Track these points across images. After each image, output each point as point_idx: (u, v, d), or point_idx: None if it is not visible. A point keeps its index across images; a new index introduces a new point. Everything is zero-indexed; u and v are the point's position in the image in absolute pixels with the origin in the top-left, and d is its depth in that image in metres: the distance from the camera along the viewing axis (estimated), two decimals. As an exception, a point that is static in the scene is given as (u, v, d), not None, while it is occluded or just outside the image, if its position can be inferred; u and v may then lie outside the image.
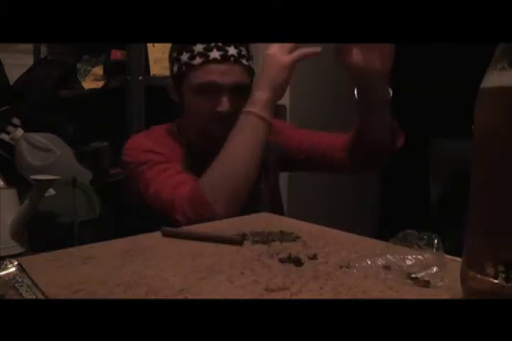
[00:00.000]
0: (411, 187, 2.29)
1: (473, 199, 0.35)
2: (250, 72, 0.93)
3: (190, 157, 0.96)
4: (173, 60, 0.93)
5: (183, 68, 0.90)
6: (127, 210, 1.18)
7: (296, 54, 0.83)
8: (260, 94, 0.84)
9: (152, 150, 0.93)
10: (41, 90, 1.61)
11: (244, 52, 0.91)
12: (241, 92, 0.89)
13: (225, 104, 0.88)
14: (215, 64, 0.88)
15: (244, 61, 0.90)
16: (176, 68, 0.93)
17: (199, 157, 0.94)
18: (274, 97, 0.84)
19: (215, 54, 0.87)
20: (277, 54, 0.82)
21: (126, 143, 0.99)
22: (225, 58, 0.88)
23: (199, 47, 0.88)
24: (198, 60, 0.88)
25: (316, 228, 0.65)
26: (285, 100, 1.67)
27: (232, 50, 0.88)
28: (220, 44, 0.88)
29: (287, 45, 0.82)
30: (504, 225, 0.33)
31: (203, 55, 0.88)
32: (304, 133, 1.06)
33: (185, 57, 0.90)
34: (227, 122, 0.88)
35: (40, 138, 1.47)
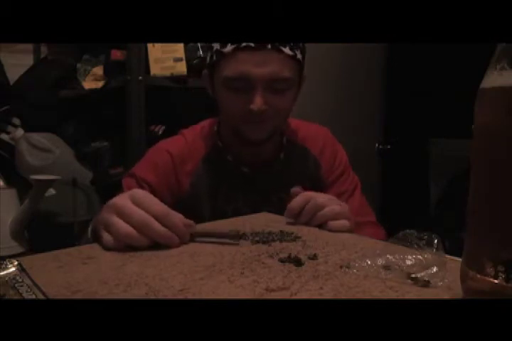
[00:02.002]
0: (411, 187, 2.29)
1: (473, 199, 0.35)
2: (296, 63, 0.78)
3: (218, 164, 0.88)
4: (207, 48, 0.83)
5: (214, 57, 0.78)
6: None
7: (105, 238, 0.55)
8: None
9: (135, 176, 0.86)
10: (41, 90, 1.61)
11: None
12: (280, 87, 0.77)
13: (258, 101, 0.75)
14: (248, 52, 0.73)
15: (286, 49, 0.75)
16: (208, 57, 0.82)
17: (229, 165, 0.87)
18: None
19: None
20: (100, 223, 0.58)
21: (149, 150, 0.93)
22: (260, 45, 0.73)
23: None
24: (229, 48, 0.75)
25: (316, 228, 0.65)
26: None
27: None
28: None
29: (111, 221, 0.55)
30: (504, 225, 0.33)
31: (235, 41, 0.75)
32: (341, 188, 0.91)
33: (217, 44, 0.77)
34: (264, 123, 0.79)
35: (40, 138, 1.47)
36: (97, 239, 0.58)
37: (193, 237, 0.57)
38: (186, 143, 0.90)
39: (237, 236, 0.56)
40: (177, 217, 0.55)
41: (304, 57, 0.81)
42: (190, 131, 0.94)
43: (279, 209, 0.73)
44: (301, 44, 0.79)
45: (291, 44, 0.76)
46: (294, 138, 0.93)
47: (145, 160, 0.91)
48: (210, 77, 0.84)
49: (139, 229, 0.53)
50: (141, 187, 0.83)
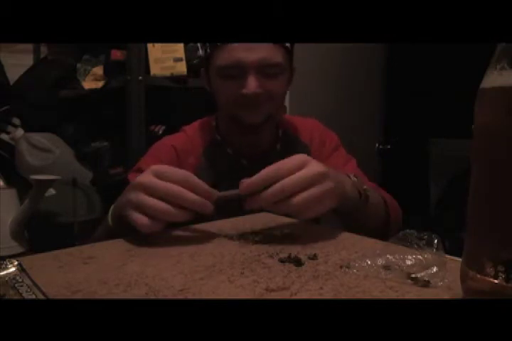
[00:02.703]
0: (411, 187, 2.29)
1: (473, 199, 0.35)
2: (285, 50, 0.82)
3: (219, 158, 0.91)
4: (203, 43, 0.89)
5: (208, 49, 0.84)
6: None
7: (136, 218, 0.55)
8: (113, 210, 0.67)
9: (141, 171, 0.82)
10: (41, 90, 1.61)
11: None
12: (272, 71, 0.80)
13: (251, 85, 0.78)
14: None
15: None
16: (203, 52, 0.90)
17: (229, 157, 0.90)
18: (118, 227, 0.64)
19: None
20: (130, 203, 0.57)
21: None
22: None
23: None
24: None
25: (316, 228, 0.65)
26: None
27: None
28: None
29: (142, 200, 0.55)
30: (504, 225, 0.33)
31: None
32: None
33: None
34: (258, 107, 0.81)
35: (40, 138, 1.47)
36: (121, 224, 0.59)
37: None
38: (188, 138, 0.93)
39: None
40: (203, 183, 0.56)
41: (292, 47, 0.85)
42: (190, 126, 0.98)
43: None
44: None
45: None
46: (287, 130, 0.97)
47: (149, 155, 0.94)
48: (206, 72, 0.88)
49: (173, 202, 0.53)
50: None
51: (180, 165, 0.87)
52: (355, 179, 0.69)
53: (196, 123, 0.98)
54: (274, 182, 0.54)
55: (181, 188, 0.53)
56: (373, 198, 0.73)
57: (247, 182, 0.55)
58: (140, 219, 0.54)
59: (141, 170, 0.87)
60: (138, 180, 0.56)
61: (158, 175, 0.55)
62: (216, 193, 0.57)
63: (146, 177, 0.55)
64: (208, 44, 0.83)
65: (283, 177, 0.54)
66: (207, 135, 0.93)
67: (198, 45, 1.49)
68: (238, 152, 0.91)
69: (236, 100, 0.81)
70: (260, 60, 0.78)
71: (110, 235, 0.60)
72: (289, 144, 0.95)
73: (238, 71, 0.79)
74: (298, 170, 0.55)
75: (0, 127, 1.53)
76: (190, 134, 0.94)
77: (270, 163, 0.57)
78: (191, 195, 0.54)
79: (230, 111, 0.85)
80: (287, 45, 0.82)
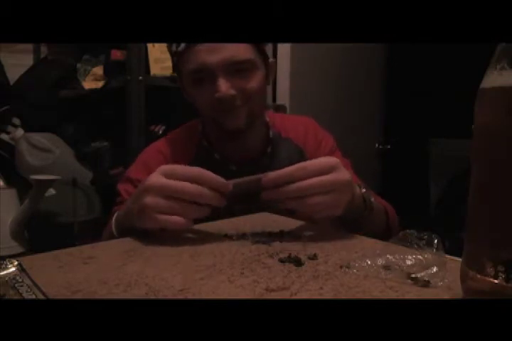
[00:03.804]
0: (411, 187, 2.29)
1: (473, 199, 0.35)
2: (254, 45, 0.78)
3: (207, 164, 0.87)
4: (170, 54, 0.84)
5: (175, 59, 0.80)
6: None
7: (162, 220, 0.56)
8: (121, 215, 0.68)
9: (131, 180, 0.86)
10: (41, 90, 1.61)
11: None
12: (241, 69, 0.75)
13: (222, 87, 0.74)
14: (199, 43, 0.74)
15: None
16: (173, 63, 0.84)
17: (217, 164, 0.86)
18: (130, 230, 0.62)
19: None
20: (150, 207, 0.56)
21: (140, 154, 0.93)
22: None
23: None
24: (182, 45, 0.76)
25: (316, 228, 0.65)
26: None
27: None
28: None
29: (161, 204, 0.56)
30: (504, 225, 0.33)
31: None
32: None
33: (174, 47, 0.79)
34: (235, 109, 0.77)
35: (40, 138, 1.47)
36: (130, 231, 0.60)
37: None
38: (176, 144, 0.90)
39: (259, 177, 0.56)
40: (216, 176, 0.56)
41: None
42: (176, 132, 0.95)
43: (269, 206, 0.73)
44: None
45: None
46: (278, 131, 0.92)
47: (137, 162, 0.90)
48: (180, 81, 0.84)
49: (190, 200, 0.54)
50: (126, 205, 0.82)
51: None
52: (363, 190, 0.69)
53: (182, 128, 0.95)
54: (298, 180, 0.55)
55: (196, 186, 0.54)
56: (377, 209, 0.72)
57: (272, 176, 0.56)
58: (172, 218, 0.54)
59: (130, 180, 0.86)
60: (149, 184, 0.55)
61: (168, 175, 0.55)
62: (231, 183, 0.56)
63: (157, 179, 0.55)
64: (173, 52, 0.79)
65: (309, 177, 0.55)
66: (193, 140, 0.90)
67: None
68: (226, 157, 0.87)
69: (212, 105, 0.77)
70: (225, 59, 0.73)
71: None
72: (281, 147, 0.90)
73: (206, 74, 0.75)
74: (325, 173, 0.56)
75: (0, 127, 1.53)
76: (177, 140, 0.91)
77: (261, 168, 0.58)
78: (207, 191, 0.54)
79: (209, 117, 0.81)
80: None
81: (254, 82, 0.78)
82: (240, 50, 0.75)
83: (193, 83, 0.78)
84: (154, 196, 0.55)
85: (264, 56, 0.81)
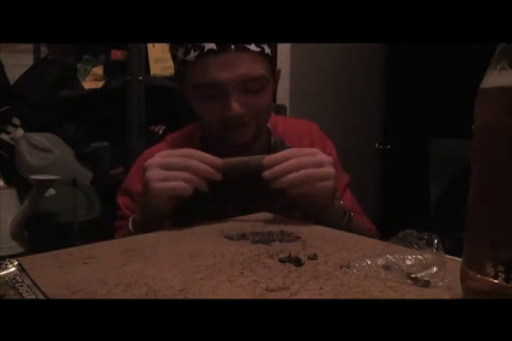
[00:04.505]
0: (411, 187, 2.29)
1: (473, 199, 0.35)
2: (265, 58, 0.74)
3: None
4: (172, 58, 0.79)
5: (181, 67, 0.76)
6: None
7: (165, 186, 0.64)
8: (136, 214, 0.72)
9: (129, 192, 0.84)
10: (41, 90, 1.61)
11: None
12: (254, 87, 0.73)
13: (235, 107, 0.71)
14: (212, 56, 0.69)
15: (252, 46, 0.71)
16: (175, 67, 0.79)
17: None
18: (147, 220, 0.69)
19: (210, 44, 0.69)
20: (151, 179, 0.64)
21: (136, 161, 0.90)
22: (223, 47, 0.69)
23: None
24: (192, 55, 0.71)
25: (316, 228, 0.65)
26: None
27: None
28: None
29: (161, 173, 0.64)
30: (504, 225, 0.33)
31: (197, 47, 0.70)
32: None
33: (180, 53, 0.73)
34: (245, 126, 0.75)
35: (40, 138, 1.47)
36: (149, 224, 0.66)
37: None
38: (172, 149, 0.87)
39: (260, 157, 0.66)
40: (205, 153, 0.65)
41: (274, 51, 0.78)
42: (174, 136, 0.92)
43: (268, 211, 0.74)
44: None
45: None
46: (281, 138, 0.89)
47: (134, 172, 0.88)
48: (181, 87, 0.81)
49: (189, 171, 0.63)
50: (137, 201, 0.81)
51: None
52: (341, 202, 0.78)
53: (181, 133, 0.92)
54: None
55: (189, 159, 0.63)
56: (357, 225, 0.77)
57: (270, 157, 0.66)
58: (174, 184, 0.63)
59: (129, 193, 0.84)
60: (147, 163, 0.64)
61: (165, 156, 0.64)
62: (221, 160, 0.66)
63: (154, 158, 0.64)
64: (178, 60, 0.75)
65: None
66: (193, 147, 0.83)
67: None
68: None
69: (221, 122, 0.74)
70: (239, 76, 0.70)
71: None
72: None
73: (217, 90, 0.71)
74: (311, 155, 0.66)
75: (0, 127, 1.53)
76: (175, 146, 0.87)
77: (259, 175, 0.65)
78: (201, 163, 0.63)
79: (215, 131, 0.78)
80: (267, 51, 0.74)
81: (264, 99, 0.76)
82: (254, 66, 0.71)
83: (200, 96, 0.74)
84: (154, 170, 0.63)
85: (274, 66, 0.79)
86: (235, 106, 0.71)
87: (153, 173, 0.63)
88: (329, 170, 0.66)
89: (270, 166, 0.65)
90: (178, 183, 0.63)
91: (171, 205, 0.67)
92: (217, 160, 0.65)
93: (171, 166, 0.63)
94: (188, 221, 0.67)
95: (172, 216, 0.70)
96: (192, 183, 0.63)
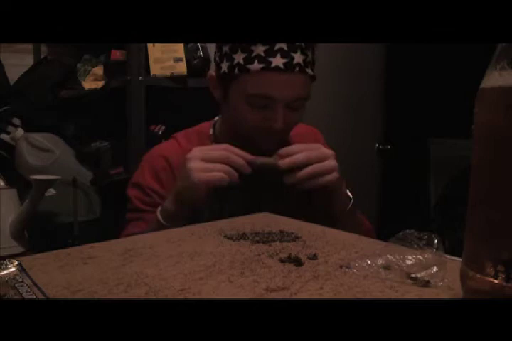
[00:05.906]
0: (411, 188, 2.29)
1: (473, 199, 0.35)
2: (311, 79, 0.81)
3: None
4: (224, 55, 0.79)
5: (236, 70, 0.76)
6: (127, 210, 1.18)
7: (206, 177, 0.71)
8: (168, 204, 0.76)
9: (140, 186, 0.86)
10: (41, 90, 1.61)
11: (309, 58, 0.78)
12: (298, 105, 0.79)
13: (280, 121, 0.77)
14: (276, 73, 0.74)
15: (309, 70, 0.78)
16: (225, 66, 0.78)
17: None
18: (180, 211, 0.75)
19: (278, 61, 0.73)
20: (194, 170, 0.71)
21: (144, 156, 0.92)
22: (289, 67, 0.74)
23: (259, 49, 0.74)
24: (256, 66, 0.74)
25: (316, 228, 0.65)
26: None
27: (298, 57, 0.74)
28: (284, 47, 0.74)
29: (203, 165, 0.72)
30: (504, 225, 0.33)
31: (264, 60, 0.74)
32: None
33: (240, 57, 0.75)
34: (278, 137, 0.82)
35: (40, 138, 1.48)
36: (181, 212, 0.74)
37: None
38: (181, 148, 0.87)
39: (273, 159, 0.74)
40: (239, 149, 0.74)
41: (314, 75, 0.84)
42: (183, 135, 0.92)
43: (275, 213, 0.74)
44: (315, 58, 0.82)
45: (313, 61, 0.80)
46: (289, 142, 0.90)
47: (144, 167, 0.89)
48: (222, 86, 0.82)
49: (226, 162, 0.72)
50: (148, 195, 0.85)
51: (174, 177, 0.83)
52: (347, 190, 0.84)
53: (190, 132, 0.93)
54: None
55: (232, 154, 0.72)
56: (357, 218, 0.85)
57: (287, 159, 0.74)
58: (214, 174, 0.70)
59: (140, 186, 0.86)
60: (188, 156, 0.72)
61: (203, 150, 0.72)
62: (252, 157, 0.74)
63: (194, 151, 0.72)
64: (235, 62, 0.77)
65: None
66: (204, 145, 0.85)
67: (198, 45, 1.49)
68: None
69: (260, 129, 0.79)
70: (293, 97, 0.77)
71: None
72: None
73: (268, 103, 0.77)
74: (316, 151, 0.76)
75: (0, 127, 1.53)
76: (184, 145, 0.88)
77: (267, 176, 0.75)
78: (240, 159, 0.72)
79: (248, 135, 0.82)
80: (312, 73, 0.80)
81: (300, 115, 0.83)
82: (305, 88, 0.79)
83: (250, 104, 0.78)
84: (196, 161, 0.71)
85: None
86: (281, 120, 0.78)
87: (195, 164, 0.71)
88: (333, 162, 0.76)
89: (286, 156, 0.75)
90: (219, 174, 0.70)
91: (206, 195, 0.73)
92: (250, 156, 0.73)
93: (211, 159, 0.71)
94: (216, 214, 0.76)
95: (203, 207, 0.78)
96: (230, 175, 0.71)
